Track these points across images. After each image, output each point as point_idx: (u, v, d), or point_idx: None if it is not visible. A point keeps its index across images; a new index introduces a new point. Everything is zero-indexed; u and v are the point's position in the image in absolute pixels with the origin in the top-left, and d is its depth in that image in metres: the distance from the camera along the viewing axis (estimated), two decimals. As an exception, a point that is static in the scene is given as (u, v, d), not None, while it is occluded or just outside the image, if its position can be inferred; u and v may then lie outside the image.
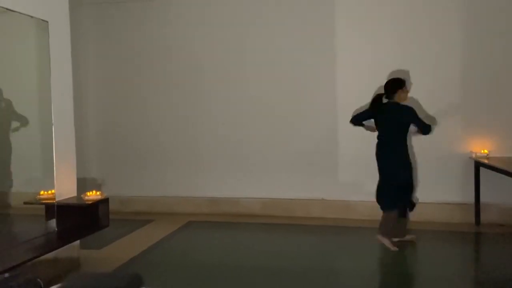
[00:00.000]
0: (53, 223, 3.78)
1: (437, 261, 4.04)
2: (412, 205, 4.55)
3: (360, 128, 5.46)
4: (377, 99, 4.44)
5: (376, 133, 4.51)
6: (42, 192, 3.81)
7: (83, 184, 5.06)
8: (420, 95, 5.27)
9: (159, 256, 4.39)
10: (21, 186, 3.91)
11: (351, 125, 5.52)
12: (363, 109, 4.68)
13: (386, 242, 4.30)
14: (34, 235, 3.59)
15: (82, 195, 3.94)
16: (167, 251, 4.56)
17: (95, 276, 2.48)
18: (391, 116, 4.32)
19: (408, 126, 4.32)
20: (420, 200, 5.31)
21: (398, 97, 4.33)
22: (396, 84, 4.35)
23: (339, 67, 5.49)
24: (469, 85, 5.20)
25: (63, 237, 3.66)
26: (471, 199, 5.13)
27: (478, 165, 5.00)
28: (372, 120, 4.52)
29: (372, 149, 5.35)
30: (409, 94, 5.27)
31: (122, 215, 5.70)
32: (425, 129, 4.33)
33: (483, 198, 5.08)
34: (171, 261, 4.23)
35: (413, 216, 5.30)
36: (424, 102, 5.27)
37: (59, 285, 2.02)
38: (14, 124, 4.00)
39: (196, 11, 5.88)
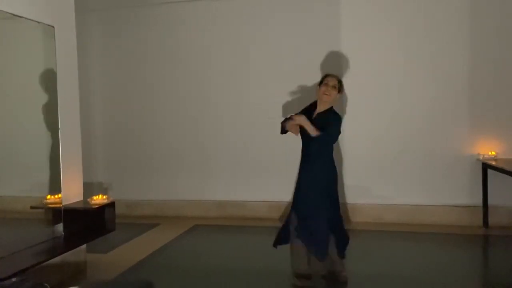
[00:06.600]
0: (59, 227, 3.79)
1: (445, 264, 4.00)
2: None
3: (366, 130, 5.44)
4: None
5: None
6: (48, 197, 3.82)
7: (89, 188, 5.07)
8: (427, 97, 5.27)
9: (166, 260, 4.38)
10: (27, 191, 3.92)
11: (356, 127, 5.52)
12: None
13: None
14: (41, 240, 3.60)
15: (88, 199, 3.95)
16: (174, 255, 4.56)
17: (107, 283, 2.48)
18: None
19: None
20: (427, 203, 5.30)
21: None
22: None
23: (344, 69, 5.47)
24: (476, 86, 5.16)
25: (69, 241, 3.67)
26: (479, 201, 5.09)
27: (485, 167, 4.96)
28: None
29: (380, 150, 5.37)
30: (418, 96, 5.29)
31: (129, 219, 5.71)
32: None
33: (491, 200, 5.03)
34: (178, 265, 4.22)
35: (421, 219, 5.30)
36: (431, 104, 5.26)
37: None
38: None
39: (203, 15, 5.89)
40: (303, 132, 3.55)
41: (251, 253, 4.54)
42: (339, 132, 3.52)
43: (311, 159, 3.55)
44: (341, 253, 3.62)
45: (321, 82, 3.59)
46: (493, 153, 5.03)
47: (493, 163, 4.78)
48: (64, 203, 3.83)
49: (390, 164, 5.38)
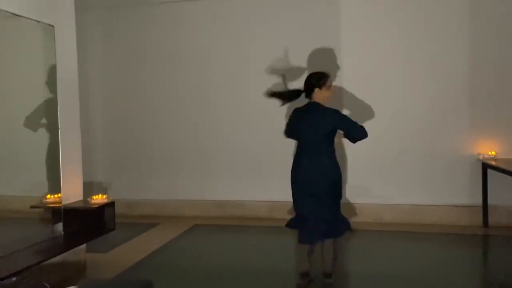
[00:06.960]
0: (59, 226, 3.79)
1: (445, 264, 4.00)
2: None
3: (366, 130, 5.42)
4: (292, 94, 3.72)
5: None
6: (48, 196, 3.82)
7: (89, 188, 5.07)
8: (427, 97, 5.26)
9: (165, 259, 4.38)
10: (27, 190, 3.92)
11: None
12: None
13: None
14: (41, 239, 3.60)
15: (88, 199, 3.95)
16: (173, 254, 4.56)
17: (107, 283, 2.48)
18: (315, 120, 3.54)
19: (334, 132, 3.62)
20: (427, 203, 5.30)
21: (316, 97, 3.58)
22: (313, 80, 3.58)
23: (344, 69, 5.47)
24: (476, 86, 5.15)
25: (69, 241, 3.67)
26: (478, 201, 5.09)
27: (485, 166, 4.96)
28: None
29: (380, 150, 5.37)
30: (418, 96, 5.29)
31: (129, 218, 5.71)
32: (360, 132, 3.69)
33: (491, 200, 5.03)
34: (177, 265, 4.22)
35: (421, 219, 5.29)
36: (431, 104, 5.26)
37: None
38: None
39: (203, 15, 5.89)
40: None
41: (251, 253, 4.53)
42: (286, 125, 3.85)
43: None
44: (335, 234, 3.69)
45: (324, 83, 3.61)
46: (493, 153, 5.02)
47: (493, 163, 4.78)
48: (64, 202, 3.83)
49: (390, 164, 5.38)
